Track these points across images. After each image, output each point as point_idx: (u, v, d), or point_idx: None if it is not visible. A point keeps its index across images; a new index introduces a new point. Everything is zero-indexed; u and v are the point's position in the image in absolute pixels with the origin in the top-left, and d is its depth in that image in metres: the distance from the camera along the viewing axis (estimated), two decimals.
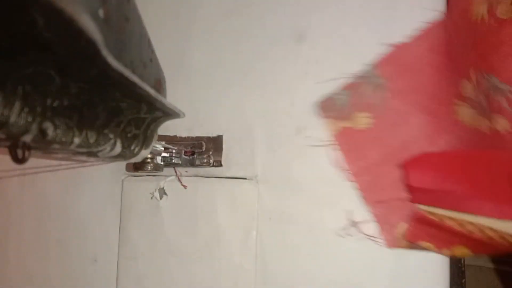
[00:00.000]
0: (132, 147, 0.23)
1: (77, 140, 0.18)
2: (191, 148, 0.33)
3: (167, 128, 0.33)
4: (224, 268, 0.32)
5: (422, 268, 0.31)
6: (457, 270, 0.32)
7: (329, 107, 0.32)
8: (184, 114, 0.26)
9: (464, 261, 0.34)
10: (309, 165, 0.32)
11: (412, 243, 0.29)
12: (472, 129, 0.29)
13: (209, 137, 0.33)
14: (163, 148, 0.31)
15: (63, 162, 0.31)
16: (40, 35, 0.13)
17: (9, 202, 0.35)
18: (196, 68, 0.34)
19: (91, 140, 0.19)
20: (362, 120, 0.31)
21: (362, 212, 0.31)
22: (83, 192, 0.34)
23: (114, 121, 0.21)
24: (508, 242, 0.24)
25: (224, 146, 0.33)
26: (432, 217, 0.27)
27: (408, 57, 0.31)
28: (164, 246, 0.33)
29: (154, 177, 0.33)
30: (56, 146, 0.17)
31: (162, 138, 0.33)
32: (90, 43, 0.13)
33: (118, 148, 0.21)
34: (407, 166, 0.29)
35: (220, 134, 0.33)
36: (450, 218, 0.26)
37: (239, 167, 0.33)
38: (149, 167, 0.29)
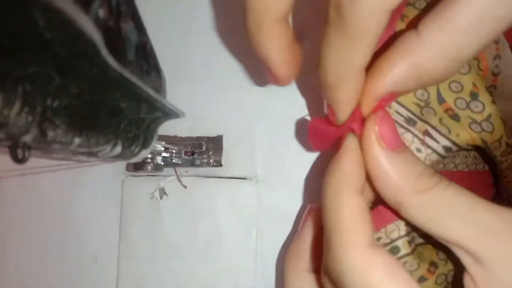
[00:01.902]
0: (133, 147, 0.23)
1: (77, 140, 0.18)
2: (191, 148, 0.33)
3: (167, 128, 0.33)
4: (224, 268, 0.32)
5: None
6: None
7: None
8: (184, 114, 0.26)
9: None
10: (309, 165, 0.32)
11: None
12: None
13: (209, 137, 0.33)
14: (163, 148, 0.31)
15: (63, 162, 0.31)
16: (40, 35, 0.13)
17: (9, 202, 0.35)
18: (196, 68, 0.34)
19: (91, 140, 0.19)
20: None
21: None
22: (83, 192, 0.34)
23: (114, 121, 0.21)
24: None
25: (224, 146, 0.33)
26: None
27: None
28: (164, 246, 0.33)
29: (154, 177, 0.33)
30: (56, 146, 0.17)
31: (162, 138, 0.33)
32: (90, 43, 0.13)
33: (118, 148, 0.22)
34: None
35: (220, 134, 0.33)
36: None
37: (239, 167, 0.33)
38: (149, 167, 0.29)
